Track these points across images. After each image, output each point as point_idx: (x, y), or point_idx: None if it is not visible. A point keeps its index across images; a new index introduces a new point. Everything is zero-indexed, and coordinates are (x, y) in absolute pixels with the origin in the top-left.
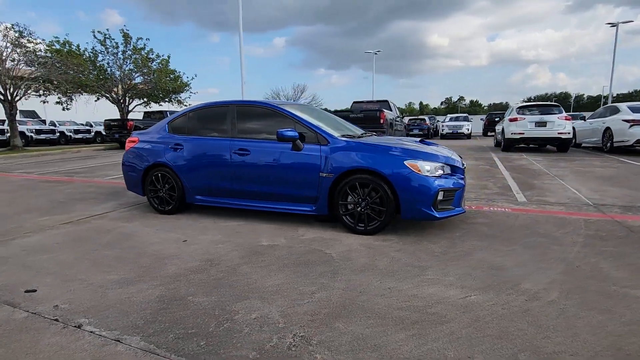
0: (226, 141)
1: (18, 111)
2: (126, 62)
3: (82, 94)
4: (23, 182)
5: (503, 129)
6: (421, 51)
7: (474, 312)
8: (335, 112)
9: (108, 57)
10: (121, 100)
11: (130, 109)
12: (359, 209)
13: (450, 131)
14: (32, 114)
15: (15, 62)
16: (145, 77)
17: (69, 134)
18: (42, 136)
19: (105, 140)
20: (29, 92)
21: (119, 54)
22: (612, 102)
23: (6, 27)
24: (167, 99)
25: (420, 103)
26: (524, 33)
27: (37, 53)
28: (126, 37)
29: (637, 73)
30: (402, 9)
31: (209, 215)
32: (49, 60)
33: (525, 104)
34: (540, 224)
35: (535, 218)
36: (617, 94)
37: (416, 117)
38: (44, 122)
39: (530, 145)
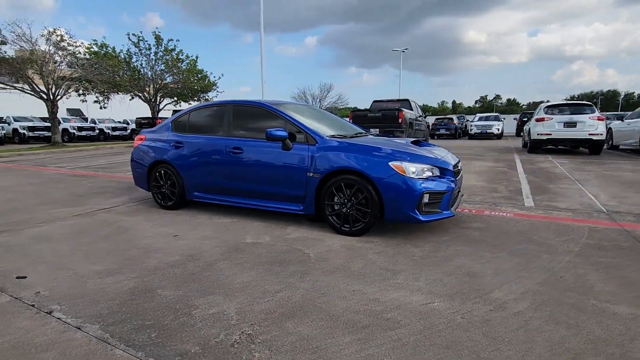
0: (222, 140)
1: (66, 109)
2: (157, 63)
3: (117, 94)
4: (53, 175)
5: (529, 130)
6: (456, 48)
7: (431, 319)
8: (354, 111)
9: (141, 58)
10: (152, 100)
11: (160, 107)
12: (344, 209)
13: (479, 131)
14: (77, 112)
15: (57, 64)
16: (175, 77)
17: (107, 131)
18: (83, 133)
19: None
20: (69, 91)
21: (151, 55)
22: None
23: (49, 32)
24: (195, 98)
25: (454, 102)
26: (569, 27)
27: (77, 55)
28: (158, 38)
29: None
30: (438, 5)
31: (207, 211)
32: (87, 62)
33: (554, 102)
34: (539, 230)
35: (536, 224)
36: None
37: (443, 117)
38: (85, 119)
39: (559, 147)
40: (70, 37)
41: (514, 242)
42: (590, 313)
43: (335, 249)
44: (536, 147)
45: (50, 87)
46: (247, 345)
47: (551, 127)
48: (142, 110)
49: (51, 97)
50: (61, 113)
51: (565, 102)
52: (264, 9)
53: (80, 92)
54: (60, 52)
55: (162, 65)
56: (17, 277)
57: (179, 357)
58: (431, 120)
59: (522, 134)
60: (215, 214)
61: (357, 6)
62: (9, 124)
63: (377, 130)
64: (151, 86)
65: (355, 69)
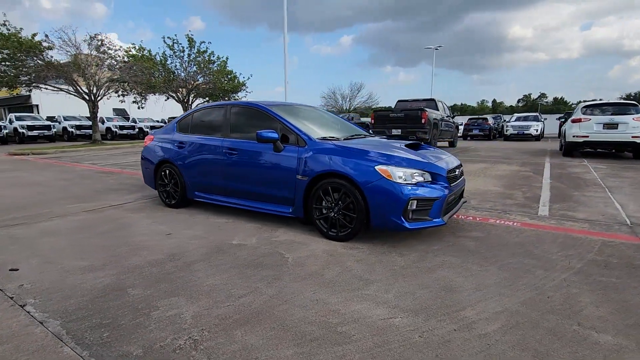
0: (219, 141)
1: (112, 109)
2: (190, 65)
3: (154, 94)
4: (83, 171)
5: (565, 132)
6: (499, 44)
7: (386, 336)
8: (376, 112)
9: (175, 60)
10: (185, 100)
11: (193, 107)
12: (332, 214)
13: (516, 132)
14: (122, 112)
15: (98, 67)
16: (206, 77)
17: (146, 129)
18: (124, 131)
19: None
20: (108, 92)
21: (184, 56)
22: None
23: (90, 37)
24: (226, 98)
25: (494, 101)
26: (628, 20)
27: (116, 58)
28: (190, 41)
29: None
30: None
31: (206, 211)
32: (125, 64)
33: (593, 102)
34: (543, 243)
35: (542, 236)
36: None
37: (477, 117)
38: (127, 119)
39: (599, 151)
40: (110, 42)
41: (509, 255)
42: (567, 340)
43: (317, 254)
44: (571, 150)
45: (91, 88)
46: (188, 351)
47: (589, 128)
48: (176, 110)
49: (92, 98)
50: (108, 112)
51: (606, 101)
52: (300, 10)
53: (120, 93)
54: (100, 56)
55: (195, 67)
56: (10, 269)
57: (119, 359)
58: (464, 120)
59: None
60: (213, 214)
61: (395, 3)
62: (59, 122)
63: (399, 130)
64: (184, 87)
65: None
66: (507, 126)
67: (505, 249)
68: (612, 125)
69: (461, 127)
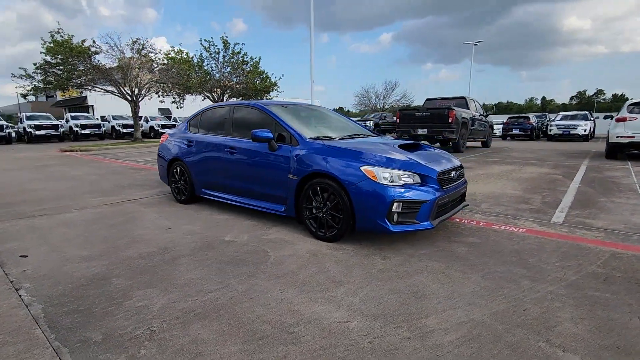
0: (221, 139)
1: (157, 109)
2: (225, 66)
3: (191, 95)
4: (117, 167)
5: (609, 132)
6: (552, 38)
7: (334, 339)
8: (401, 110)
9: (211, 61)
10: (220, 99)
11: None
12: (320, 214)
13: (560, 132)
14: (166, 112)
15: (139, 69)
16: (239, 78)
17: None
18: (165, 130)
19: None
20: (148, 93)
21: (219, 58)
22: None
23: (133, 41)
24: (258, 97)
25: (543, 98)
26: None
27: (157, 61)
28: (225, 43)
29: None
30: None
31: (211, 208)
32: (164, 66)
33: None
34: (543, 252)
35: (545, 244)
36: None
37: (518, 116)
38: (169, 118)
39: None
40: (151, 45)
41: (499, 263)
42: (526, 358)
43: (300, 253)
44: (614, 152)
45: (133, 90)
46: (142, 341)
47: (635, 128)
48: None
49: (134, 98)
50: (153, 112)
51: None
52: (338, 9)
53: (160, 93)
54: (141, 59)
55: (229, 68)
56: (20, 256)
57: (79, 344)
58: (503, 119)
59: None
60: (217, 211)
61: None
62: (108, 122)
63: (425, 130)
64: (219, 87)
65: (432, 64)
66: (550, 125)
67: (496, 257)
68: None
69: (500, 127)
